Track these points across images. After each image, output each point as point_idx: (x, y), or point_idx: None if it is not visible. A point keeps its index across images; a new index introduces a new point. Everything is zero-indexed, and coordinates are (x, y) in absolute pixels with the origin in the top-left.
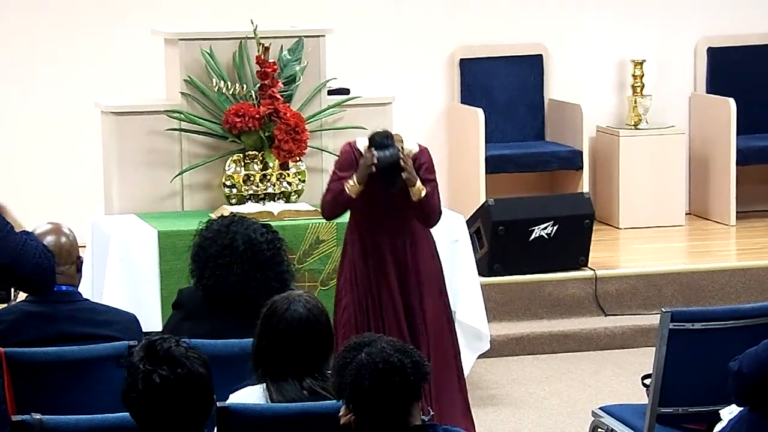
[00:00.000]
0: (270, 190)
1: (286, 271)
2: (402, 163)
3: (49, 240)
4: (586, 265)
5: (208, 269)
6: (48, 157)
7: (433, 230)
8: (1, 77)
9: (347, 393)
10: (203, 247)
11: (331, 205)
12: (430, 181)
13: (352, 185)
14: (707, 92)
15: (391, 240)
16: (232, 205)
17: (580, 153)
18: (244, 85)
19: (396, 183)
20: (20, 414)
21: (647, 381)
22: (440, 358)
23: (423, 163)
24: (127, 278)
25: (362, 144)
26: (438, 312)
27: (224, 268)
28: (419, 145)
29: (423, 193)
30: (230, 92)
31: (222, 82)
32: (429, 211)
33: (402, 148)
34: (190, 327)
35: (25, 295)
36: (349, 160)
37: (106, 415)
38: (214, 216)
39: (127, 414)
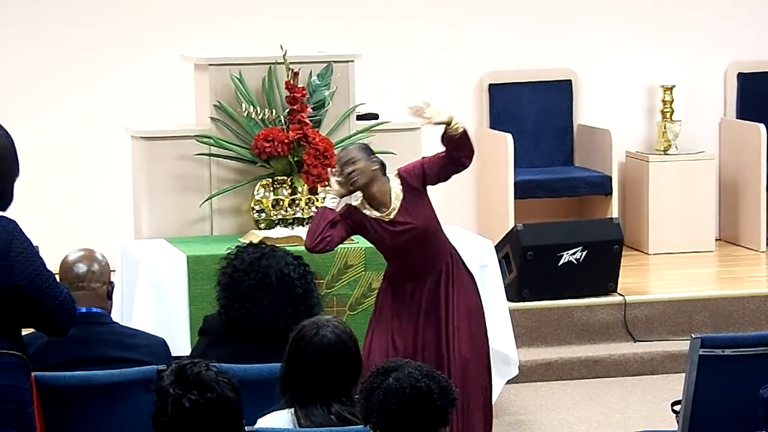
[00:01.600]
0: (299, 215)
1: (316, 305)
2: (428, 119)
3: (82, 265)
4: (615, 291)
5: (238, 301)
6: (78, 181)
7: (461, 255)
8: (31, 102)
9: (374, 418)
10: (235, 279)
11: (312, 225)
12: (426, 158)
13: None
14: (737, 117)
15: (427, 278)
16: (260, 229)
17: (610, 178)
18: (274, 110)
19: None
20: None
21: (677, 407)
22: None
23: (416, 168)
24: (156, 303)
25: (366, 210)
26: (474, 357)
27: (255, 301)
28: (398, 171)
29: (461, 129)
30: (259, 117)
31: (251, 107)
32: (467, 143)
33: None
34: (216, 353)
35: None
36: (350, 217)
37: None
38: (243, 241)
39: None
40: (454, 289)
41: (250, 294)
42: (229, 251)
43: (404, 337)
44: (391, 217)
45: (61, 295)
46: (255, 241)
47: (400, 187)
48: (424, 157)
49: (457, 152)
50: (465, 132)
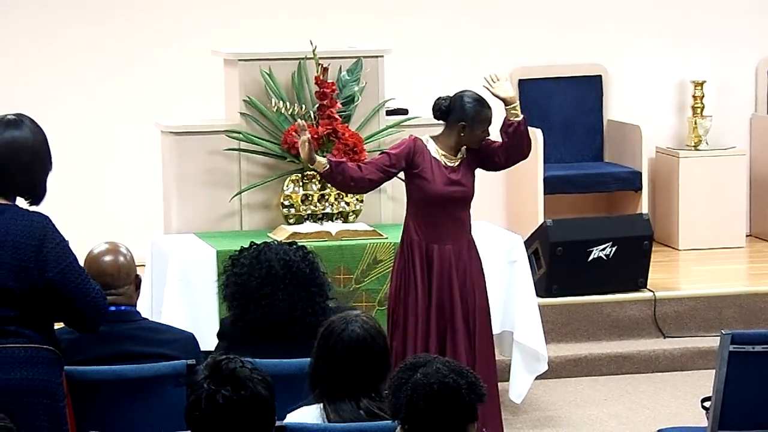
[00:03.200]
0: (328, 210)
1: (326, 282)
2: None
3: (107, 259)
4: (645, 287)
5: (252, 304)
6: (108, 176)
7: (490, 251)
8: (62, 97)
9: (402, 413)
10: (241, 284)
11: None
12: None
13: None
14: None
15: (446, 246)
16: (290, 224)
17: (640, 174)
18: (303, 106)
19: None
20: None
21: (707, 404)
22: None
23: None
24: (185, 298)
25: (432, 147)
26: (485, 330)
27: (269, 297)
28: None
29: (520, 117)
30: (289, 112)
31: (281, 102)
32: (527, 136)
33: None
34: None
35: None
36: (404, 146)
37: None
38: (272, 236)
39: None
40: (471, 266)
41: (262, 292)
42: (224, 265)
43: (423, 291)
44: (455, 164)
45: (93, 291)
46: (283, 236)
47: (467, 151)
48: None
49: (511, 140)
50: (523, 121)
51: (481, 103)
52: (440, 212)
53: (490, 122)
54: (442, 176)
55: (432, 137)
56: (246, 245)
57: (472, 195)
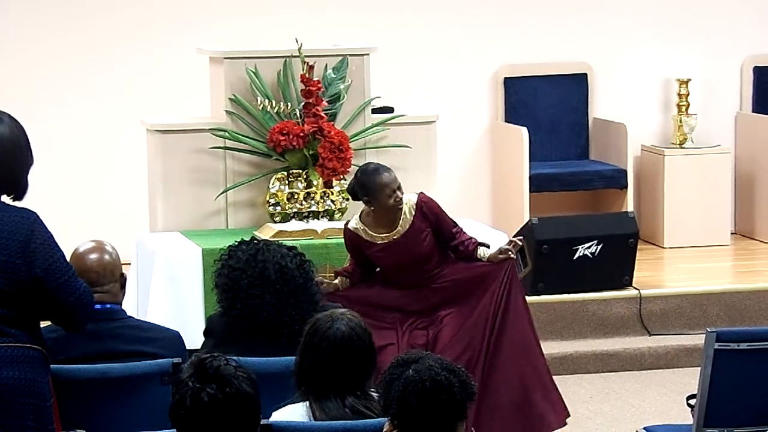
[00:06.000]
0: (314, 208)
1: (317, 293)
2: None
3: (92, 258)
4: (630, 285)
5: (239, 300)
6: (93, 174)
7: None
8: (48, 95)
9: (393, 409)
10: (233, 278)
11: None
12: (456, 226)
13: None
14: (753, 111)
15: (412, 290)
16: (276, 223)
17: (625, 172)
18: (289, 104)
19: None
20: (65, 431)
21: (692, 401)
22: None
23: (438, 213)
24: (171, 296)
25: (362, 231)
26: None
27: (256, 298)
28: (419, 195)
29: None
30: (275, 110)
31: (266, 100)
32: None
33: None
34: (223, 353)
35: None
36: (348, 246)
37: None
38: (258, 234)
39: (171, 431)
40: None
41: (251, 291)
42: (222, 253)
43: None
44: (393, 238)
45: (79, 288)
46: (269, 235)
47: (414, 212)
48: (456, 226)
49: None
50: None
51: (369, 172)
52: (400, 275)
53: (389, 185)
54: (384, 254)
55: (361, 219)
56: (247, 239)
57: (428, 253)
